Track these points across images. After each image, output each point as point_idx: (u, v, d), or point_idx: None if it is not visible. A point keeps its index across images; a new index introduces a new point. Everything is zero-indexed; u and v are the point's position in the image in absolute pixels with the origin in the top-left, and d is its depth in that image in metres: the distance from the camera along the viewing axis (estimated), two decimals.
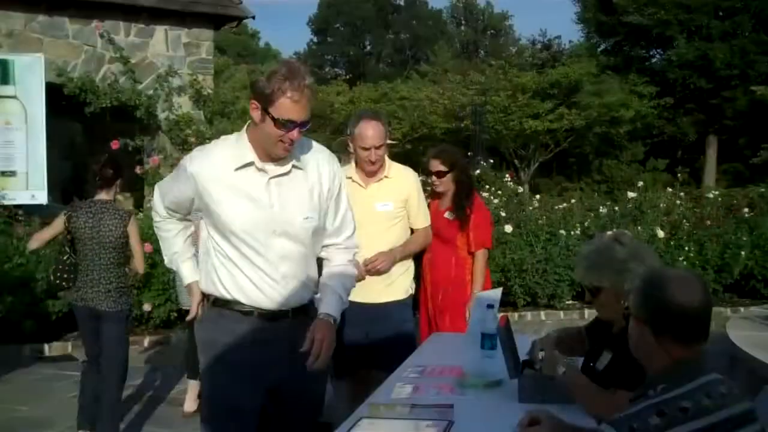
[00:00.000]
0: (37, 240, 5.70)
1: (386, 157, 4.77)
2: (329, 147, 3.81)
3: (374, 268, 4.63)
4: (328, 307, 3.18)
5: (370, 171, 4.71)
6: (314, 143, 3.30)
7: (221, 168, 3.09)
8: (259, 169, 3.10)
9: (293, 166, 3.14)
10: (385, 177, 4.76)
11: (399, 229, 4.79)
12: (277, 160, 3.11)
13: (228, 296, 3.15)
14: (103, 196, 5.34)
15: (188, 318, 3.31)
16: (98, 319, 5.32)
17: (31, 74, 9.79)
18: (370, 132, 4.61)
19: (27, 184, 9.65)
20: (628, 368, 2.48)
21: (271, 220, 3.09)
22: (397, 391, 3.40)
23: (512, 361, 3.32)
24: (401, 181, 4.81)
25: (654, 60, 34.92)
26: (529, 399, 3.12)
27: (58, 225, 5.44)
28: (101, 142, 12.23)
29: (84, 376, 5.65)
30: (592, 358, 3.12)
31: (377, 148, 4.62)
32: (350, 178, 4.70)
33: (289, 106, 2.96)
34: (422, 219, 4.92)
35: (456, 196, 5.24)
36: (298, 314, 3.20)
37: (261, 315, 3.14)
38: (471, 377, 3.46)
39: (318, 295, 3.29)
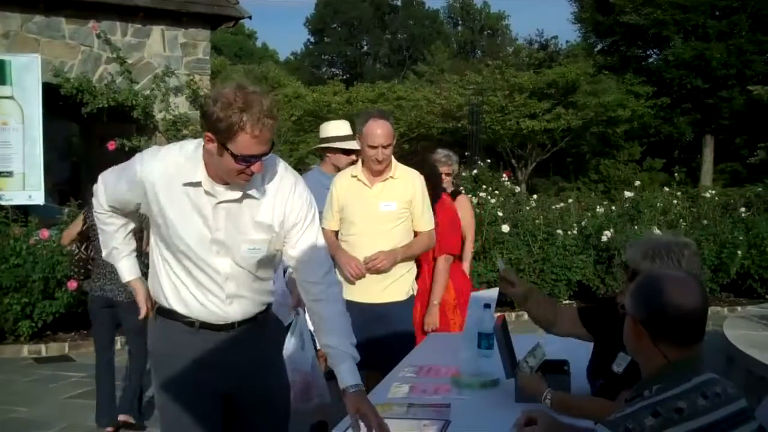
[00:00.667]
0: (66, 237, 6.24)
1: (393, 158, 4.79)
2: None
3: (374, 267, 4.63)
4: (351, 376, 2.88)
5: (377, 170, 4.72)
6: (280, 167, 2.99)
7: (174, 177, 2.86)
8: (207, 192, 2.86)
9: (245, 194, 2.88)
10: (391, 177, 4.76)
11: (402, 230, 4.78)
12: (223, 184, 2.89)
13: (170, 307, 3.00)
14: None
15: (140, 317, 3.16)
16: (113, 310, 5.61)
17: (28, 74, 9.78)
18: (378, 131, 4.63)
19: (24, 184, 9.64)
20: None
21: (215, 242, 2.89)
22: (394, 390, 3.40)
23: (509, 361, 3.32)
24: (406, 183, 4.80)
25: (651, 60, 34.96)
26: (525, 399, 3.12)
27: (79, 221, 5.90)
28: (98, 143, 12.26)
29: (99, 374, 5.83)
30: (603, 355, 3.10)
31: (384, 147, 4.63)
32: (356, 176, 4.77)
33: (249, 142, 2.69)
34: (426, 221, 4.88)
35: None
36: (244, 323, 3.03)
37: (203, 326, 2.99)
38: (468, 377, 3.46)
39: (274, 299, 3.23)
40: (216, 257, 2.91)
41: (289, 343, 4.54)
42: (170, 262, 2.96)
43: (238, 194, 2.87)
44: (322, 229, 4.39)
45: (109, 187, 3.07)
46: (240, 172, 2.76)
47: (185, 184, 2.85)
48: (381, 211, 4.71)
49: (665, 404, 1.99)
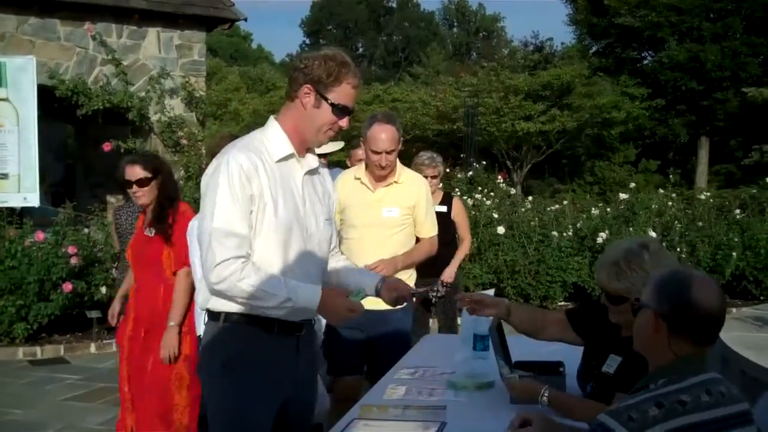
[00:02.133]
0: (112, 236, 6.94)
1: (398, 162, 4.68)
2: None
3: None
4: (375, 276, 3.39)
5: (380, 176, 4.62)
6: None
7: (268, 160, 2.88)
8: (298, 162, 2.99)
9: (318, 166, 3.09)
10: (395, 182, 4.67)
11: (404, 236, 4.69)
12: (305, 154, 3.01)
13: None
14: None
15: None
16: None
17: (23, 76, 9.76)
18: (382, 136, 4.51)
19: (19, 186, 9.61)
20: (642, 371, 2.44)
21: (303, 217, 2.95)
22: (390, 392, 3.40)
23: (504, 363, 3.32)
24: (411, 188, 4.71)
25: (645, 62, 34.96)
26: (520, 400, 3.12)
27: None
28: (93, 145, 12.24)
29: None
30: (594, 358, 3.11)
31: (389, 153, 4.51)
32: (359, 179, 4.68)
33: (349, 92, 2.92)
34: (428, 228, 4.82)
35: (158, 206, 4.55)
36: (308, 327, 3.05)
37: (280, 329, 2.90)
38: (463, 378, 3.47)
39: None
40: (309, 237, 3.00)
41: None
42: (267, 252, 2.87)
43: (315, 164, 3.06)
44: None
45: (230, 221, 2.77)
46: (330, 127, 2.93)
47: (279, 160, 2.92)
48: (383, 217, 4.61)
49: (669, 396, 2.01)
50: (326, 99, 2.88)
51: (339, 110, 2.90)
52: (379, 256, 4.50)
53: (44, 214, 10.12)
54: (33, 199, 9.66)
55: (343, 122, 2.94)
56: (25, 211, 9.81)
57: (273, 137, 2.93)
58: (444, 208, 6.35)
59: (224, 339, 2.90)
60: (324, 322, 4.41)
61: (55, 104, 11.12)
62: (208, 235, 2.77)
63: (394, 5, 62.75)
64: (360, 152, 5.69)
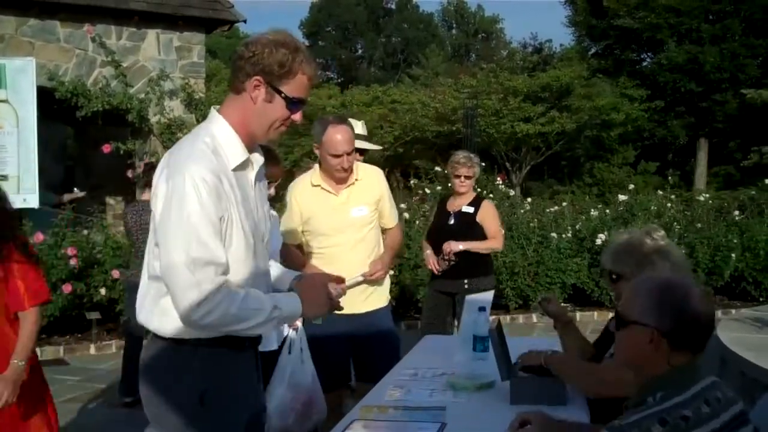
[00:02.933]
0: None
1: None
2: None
3: (378, 278, 4.52)
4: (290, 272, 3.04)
5: (341, 178, 4.46)
6: None
7: (225, 169, 2.57)
8: (250, 163, 2.67)
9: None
10: (356, 180, 4.53)
11: (375, 232, 4.62)
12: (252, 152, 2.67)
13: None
14: (146, 196, 6.22)
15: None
16: None
17: (23, 78, 9.74)
18: (338, 137, 4.33)
19: (18, 187, 9.60)
20: None
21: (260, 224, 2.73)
22: (390, 393, 3.41)
23: (504, 364, 3.33)
24: (372, 182, 4.60)
25: (645, 63, 34.98)
26: (520, 401, 3.14)
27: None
28: (93, 146, 12.25)
29: (131, 346, 6.31)
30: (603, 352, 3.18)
31: (348, 154, 4.36)
32: (318, 185, 4.50)
33: (304, 84, 2.59)
34: (394, 216, 4.76)
35: None
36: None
37: (250, 345, 2.75)
38: (463, 379, 3.47)
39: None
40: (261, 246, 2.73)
41: (288, 360, 4.14)
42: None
43: (261, 160, 2.72)
44: (285, 245, 4.36)
45: (206, 253, 2.45)
46: (282, 123, 2.63)
47: (236, 169, 2.58)
48: (353, 218, 4.48)
49: (672, 412, 1.99)
50: (279, 92, 2.56)
51: (293, 104, 2.58)
52: (358, 259, 4.44)
53: (43, 215, 10.10)
54: (32, 201, 9.65)
55: (296, 116, 2.62)
56: (24, 213, 9.81)
57: (225, 140, 2.57)
58: (471, 209, 6.29)
59: (199, 368, 2.58)
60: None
61: (54, 106, 11.13)
62: (184, 267, 2.41)
63: (393, 6, 62.78)
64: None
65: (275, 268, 2.98)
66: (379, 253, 4.62)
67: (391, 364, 3.99)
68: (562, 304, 10.96)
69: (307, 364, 4.22)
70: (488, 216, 6.35)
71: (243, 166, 2.61)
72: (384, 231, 4.73)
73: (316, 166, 4.59)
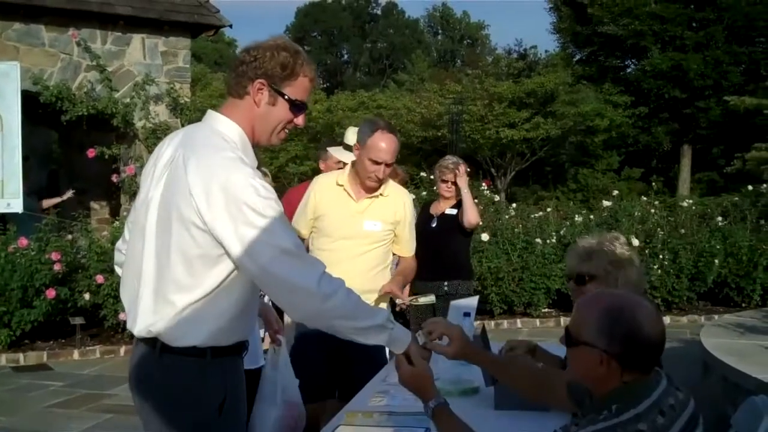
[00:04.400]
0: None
1: None
2: (306, 156, 3.68)
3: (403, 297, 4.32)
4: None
5: (371, 186, 4.25)
6: None
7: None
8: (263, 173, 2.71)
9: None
10: (381, 194, 4.29)
11: (381, 252, 4.33)
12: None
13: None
14: None
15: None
16: None
17: (7, 82, 9.72)
18: (383, 145, 4.13)
19: (2, 192, 9.57)
20: None
21: None
22: (375, 398, 3.42)
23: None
24: (397, 202, 4.35)
25: (629, 70, 35.18)
26: (505, 406, 3.15)
27: None
28: (78, 151, 12.22)
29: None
30: None
31: (387, 165, 4.17)
32: (342, 186, 4.30)
33: (306, 86, 2.61)
34: (411, 246, 4.50)
35: None
36: None
37: (245, 348, 2.71)
38: (447, 385, 3.48)
39: None
40: None
41: (278, 377, 3.77)
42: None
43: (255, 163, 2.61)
44: None
45: (298, 242, 2.46)
46: (286, 126, 2.62)
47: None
48: (364, 230, 4.25)
49: (628, 426, 1.97)
50: (282, 95, 2.56)
51: (296, 106, 2.59)
52: (354, 271, 4.07)
53: (27, 220, 10.07)
54: (16, 205, 9.61)
55: (299, 120, 2.63)
56: (8, 217, 9.76)
57: (244, 146, 2.55)
58: (454, 211, 6.27)
59: (217, 377, 2.52)
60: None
61: (39, 110, 11.10)
62: (288, 256, 2.37)
63: (379, 12, 62.94)
64: (338, 156, 5.45)
65: None
66: (384, 276, 4.37)
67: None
68: (545, 310, 11.01)
69: (293, 378, 3.91)
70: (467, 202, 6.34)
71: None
72: (398, 259, 4.53)
73: (348, 165, 4.42)
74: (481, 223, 6.63)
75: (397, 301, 4.08)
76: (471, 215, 6.16)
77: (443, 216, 6.31)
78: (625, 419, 1.99)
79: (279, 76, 2.54)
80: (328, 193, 4.32)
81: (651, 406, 2.03)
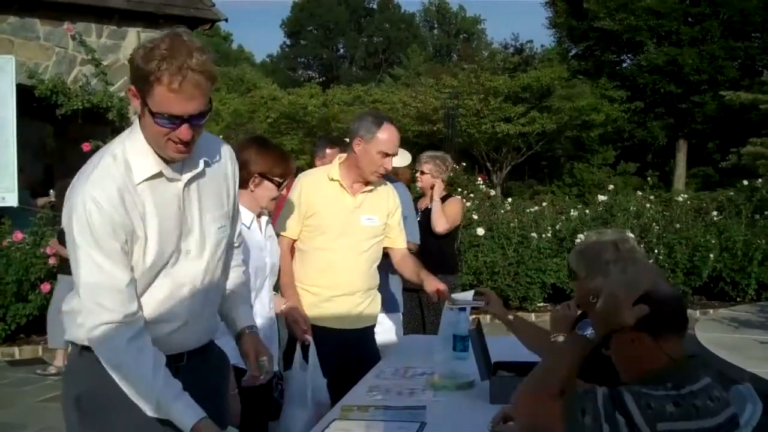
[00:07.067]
0: None
1: None
2: (302, 150, 3.63)
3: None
4: (250, 318, 2.78)
5: (373, 181, 4.17)
6: (209, 134, 2.57)
7: (129, 185, 2.33)
8: (168, 178, 2.38)
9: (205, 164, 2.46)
10: (372, 188, 4.21)
11: (378, 247, 4.26)
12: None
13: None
14: None
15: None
16: None
17: (2, 76, 9.70)
18: (393, 137, 4.09)
19: None
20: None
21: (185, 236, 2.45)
22: (370, 393, 3.42)
23: (484, 363, 3.35)
24: (389, 194, 4.30)
25: (624, 65, 35.19)
26: (500, 400, 3.15)
27: None
28: (73, 145, 12.14)
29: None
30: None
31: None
32: (336, 180, 4.15)
33: (166, 97, 2.19)
34: (404, 238, 4.41)
35: None
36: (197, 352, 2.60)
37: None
38: (443, 379, 3.49)
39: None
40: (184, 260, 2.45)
41: (308, 378, 3.70)
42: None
43: (200, 166, 2.43)
44: (279, 236, 3.96)
45: (108, 281, 2.29)
46: (167, 139, 2.26)
47: (150, 179, 2.35)
48: (362, 225, 4.14)
49: (685, 398, 2.02)
50: (146, 104, 2.24)
51: (163, 119, 2.22)
52: (353, 270, 4.12)
53: (22, 214, 10.06)
54: (11, 199, 9.60)
55: (181, 132, 2.25)
56: (2, 211, 9.75)
57: (135, 151, 2.35)
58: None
59: (85, 369, 2.43)
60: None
61: (34, 104, 11.06)
62: (82, 291, 2.31)
63: (375, 6, 62.80)
64: (332, 152, 5.37)
65: (239, 302, 2.78)
66: (376, 273, 4.31)
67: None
68: (541, 305, 11.02)
69: (321, 378, 3.79)
70: (450, 203, 6.38)
71: (159, 176, 2.35)
72: (390, 251, 4.37)
73: (336, 160, 4.27)
74: (458, 224, 6.65)
75: (446, 304, 3.99)
76: (436, 224, 6.24)
77: (427, 211, 6.36)
78: (683, 393, 2.04)
79: (142, 81, 2.23)
80: (320, 189, 4.16)
81: (702, 389, 2.08)
